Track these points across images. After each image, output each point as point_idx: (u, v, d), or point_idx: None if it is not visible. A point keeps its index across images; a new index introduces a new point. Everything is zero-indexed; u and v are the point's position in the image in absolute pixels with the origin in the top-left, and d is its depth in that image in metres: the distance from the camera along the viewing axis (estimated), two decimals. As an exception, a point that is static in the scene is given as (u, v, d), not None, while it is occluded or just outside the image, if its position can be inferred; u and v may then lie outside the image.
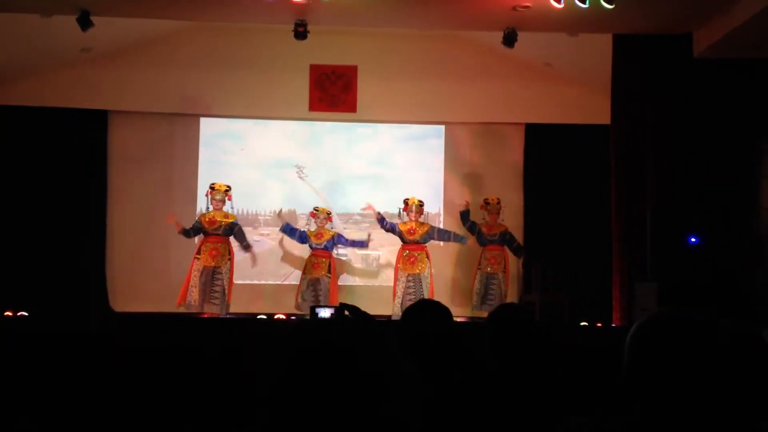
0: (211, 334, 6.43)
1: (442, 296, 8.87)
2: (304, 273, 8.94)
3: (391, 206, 9.48)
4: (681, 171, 7.70)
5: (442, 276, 9.47)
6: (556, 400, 2.26)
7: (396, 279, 8.91)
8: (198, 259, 8.47)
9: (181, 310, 8.44)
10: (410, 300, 8.33)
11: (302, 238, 9.01)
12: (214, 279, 8.37)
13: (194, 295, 8.32)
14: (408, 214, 8.94)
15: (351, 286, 9.79)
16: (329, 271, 8.84)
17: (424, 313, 2.58)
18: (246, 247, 8.72)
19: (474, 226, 9.13)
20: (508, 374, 2.33)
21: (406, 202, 8.99)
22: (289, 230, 9.04)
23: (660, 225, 7.61)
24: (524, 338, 2.40)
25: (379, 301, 9.03)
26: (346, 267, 9.86)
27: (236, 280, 8.86)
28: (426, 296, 8.54)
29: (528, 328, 2.44)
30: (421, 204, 8.98)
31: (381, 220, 9.03)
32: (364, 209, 9.56)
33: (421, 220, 8.99)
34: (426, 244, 8.96)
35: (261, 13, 7.50)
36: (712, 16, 7.18)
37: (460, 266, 9.82)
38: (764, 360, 1.95)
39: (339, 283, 9.28)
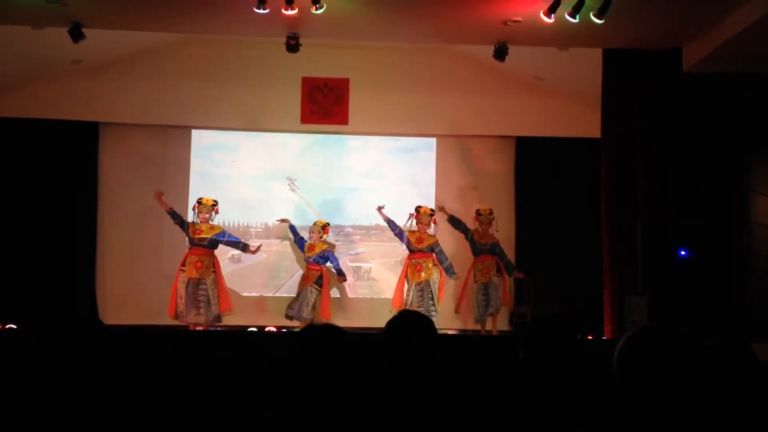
0: (201, 346, 6.40)
1: (443, 308, 8.86)
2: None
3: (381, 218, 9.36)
4: (671, 184, 7.74)
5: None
6: (549, 412, 2.25)
7: (401, 287, 8.81)
8: (183, 271, 8.44)
9: (175, 321, 8.42)
10: (417, 309, 8.20)
11: (299, 243, 9.05)
12: (198, 290, 8.34)
13: (181, 306, 8.31)
14: (418, 224, 8.86)
15: (340, 299, 9.73)
16: (316, 282, 8.78)
17: (406, 324, 2.57)
18: (244, 248, 8.85)
19: (468, 231, 9.05)
20: (542, 384, 2.29)
21: (417, 210, 8.91)
22: (294, 231, 9.17)
23: (650, 238, 7.63)
24: (564, 349, 2.34)
25: (371, 313, 9.00)
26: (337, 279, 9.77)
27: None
28: (434, 302, 8.53)
29: (568, 339, 2.38)
30: (432, 214, 8.91)
31: (391, 223, 8.94)
32: (379, 208, 9.11)
33: (430, 232, 8.88)
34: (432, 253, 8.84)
35: (253, 25, 7.51)
36: (702, 31, 7.23)
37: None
38: (752, 371, 1.96)
39: (331, 296, 9.20)
